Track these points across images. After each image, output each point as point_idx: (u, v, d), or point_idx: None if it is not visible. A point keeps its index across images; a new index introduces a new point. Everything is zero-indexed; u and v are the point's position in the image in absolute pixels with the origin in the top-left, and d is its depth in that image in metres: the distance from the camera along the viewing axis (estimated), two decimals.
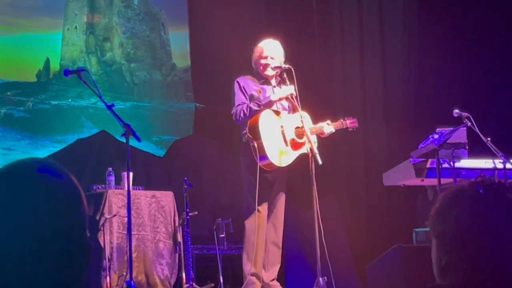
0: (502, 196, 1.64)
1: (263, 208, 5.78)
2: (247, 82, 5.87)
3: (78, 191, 1.36)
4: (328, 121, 5.88)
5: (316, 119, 5.93)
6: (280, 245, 5.89)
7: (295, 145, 5.75)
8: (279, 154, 5.67)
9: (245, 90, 5.83)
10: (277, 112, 5.80)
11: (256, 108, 5.68)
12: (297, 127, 5.77)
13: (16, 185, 1.30)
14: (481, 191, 1.64)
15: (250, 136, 5.62)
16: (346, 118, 6.07)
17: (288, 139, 5.73)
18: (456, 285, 1.61)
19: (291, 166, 5.80)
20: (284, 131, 5.73)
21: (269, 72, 5.87)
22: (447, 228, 1.63)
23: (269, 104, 5.72)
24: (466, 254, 1.60)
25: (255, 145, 5.59)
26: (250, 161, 5.63)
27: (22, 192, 1.29)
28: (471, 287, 1.59)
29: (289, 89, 5.71)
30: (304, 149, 5.74)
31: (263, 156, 5.59)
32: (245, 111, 5.68)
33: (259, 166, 5.59)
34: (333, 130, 5.87)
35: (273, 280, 5.85)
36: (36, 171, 1.33)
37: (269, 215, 5.84)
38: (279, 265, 5.92)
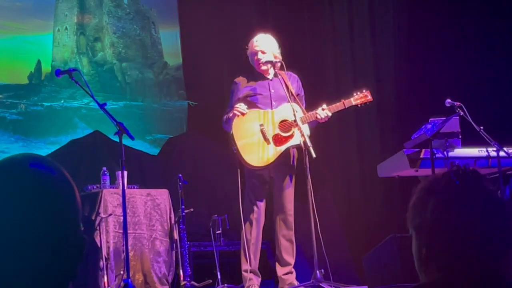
0: (477, 184, 1.65)
1: (259, 206, 5.80)
2: (238, 86, 5.88)
3: (71, 185, 1.37)
4: (324, 106, 5.73)
5: (308, 109, 5.90)
6: (293, 239, 5.83)
7: (280, 140, 5.71)
8: (258, 154, 5.67)
9: (236, 93, 5.86)
10: (260, 110, 5.78)
11: (225, 119, 5.75)
12: (283, 121, 5.73)
13: (8, 180, 1.31)
14: (456, 180, 1.65)
15: (231, 142, 5.69)
16: (355, 93, 5.87)
17: (269, 137, 5.69)
18: (436, 279, 1.62)
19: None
20: (264, 130, 5.70)
21: (263, 66, 5.87)
22: (424, 219, 1.64)
23: (232, 118, 5.72)
24: (444, 245, 1.61)
25: (235, 150, 5.67)
26: (241, 163, 5.71)
27: (15, 187, 1.30)
28: (451, 278, 1.60)
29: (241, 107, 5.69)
30: (292, 142, 5.71)
31: (244, 160, 5.65)
32: (224, 119, 5.76)
33: (250, 166, 5.68)
34: (329, 114, 5.71)
35: (286, 274, 5.85)
36: (28, 166, 1.34)
37: (277, 211, 5.84)
38: (293, 259, 5.89)
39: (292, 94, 5.73)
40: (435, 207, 1.63)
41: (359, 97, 5.85)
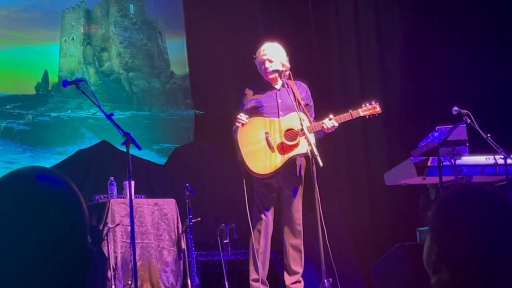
0: (506, 200, 1.65)
1: (267, 214, 5.79)
2: (246, 97, 5.89)
3: (78, 198, 1.37)
4: (331, 116, 5.67)
5: (316, 119, 5.89)
6: (301, 248, 5.80)
7: (285, 149, 5.69)
8: (264, 162, 5.67)
9: (244, 105, 5.87)
10: (266, 119, 5.77)
11: (234, 129, 5.75)
12: (289, 130, 5.71)
13: (15, 193, 1.31)
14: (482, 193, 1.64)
15: (236, 150, 5.70)
16: (364, 105, 5.78)
17: (274, 145, 5.68)
18: (449, 281, 1.61)
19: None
20: (269, 138, 5.70)
21: (271, 75, 5.86)
22: (447, 226, 1.63)
23: (235, 129, 5.74)
24: (462, 253, 1.60)
25: (240, 157, 5.67)
26: (246, 171, 5.71)
27: (22, 200, 1.30)
28: (465, 279, 1.59)
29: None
30: (298, 151, 5.69)
31: (248, 167, 5.65)
32: (233, 129, 5.75)
33: (256, 174, 5.68)
34: (336, 124, 5.63)
35: (294, 283, 5.83)
36: (35, 179, 1.34)
37: (285, 220, 5.83)
38: (301, 268, 5.86)
39: (300, 104, 5.72)
40: (460, 218, 1.62)
41: (368, 109, 5.77)
